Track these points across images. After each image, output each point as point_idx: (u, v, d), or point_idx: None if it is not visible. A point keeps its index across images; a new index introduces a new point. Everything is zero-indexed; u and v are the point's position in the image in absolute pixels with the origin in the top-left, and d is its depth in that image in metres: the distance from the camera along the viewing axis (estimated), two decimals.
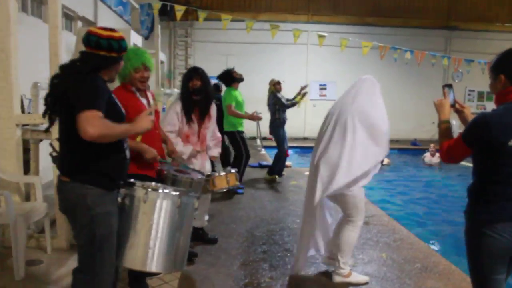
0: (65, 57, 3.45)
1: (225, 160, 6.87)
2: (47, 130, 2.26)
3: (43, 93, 2.41)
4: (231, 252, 3.92)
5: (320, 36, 8.40)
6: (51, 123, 2.17)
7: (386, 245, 4.23)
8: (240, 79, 6.12)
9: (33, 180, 3.69)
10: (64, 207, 2.18)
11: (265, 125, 7.66)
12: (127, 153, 2.29)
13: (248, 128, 6.80)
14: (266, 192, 6.41)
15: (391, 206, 6.69)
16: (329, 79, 13.67)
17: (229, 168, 3.73)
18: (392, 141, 3.24)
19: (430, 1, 13.76)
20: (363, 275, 3.40)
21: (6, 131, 3.61)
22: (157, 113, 3.09)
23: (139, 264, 2.22)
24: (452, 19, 13.91)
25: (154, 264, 2.21)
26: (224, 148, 6.81)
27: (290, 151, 8.10)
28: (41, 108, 2.53)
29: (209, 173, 3.57)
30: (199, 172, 3.24)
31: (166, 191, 2.29)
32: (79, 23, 7.28)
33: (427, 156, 10.52)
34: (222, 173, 3.56)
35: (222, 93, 6.53)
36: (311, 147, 3.56)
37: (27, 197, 3.82)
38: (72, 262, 3.30)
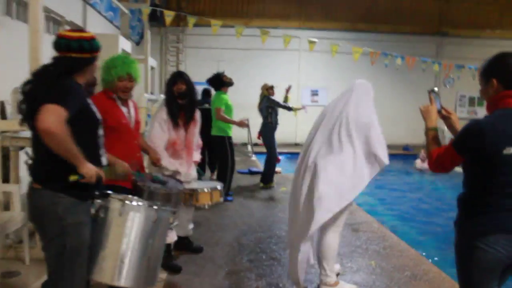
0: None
1: (210, 163, 6.85)
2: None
3: None
4: (217, 261, 3.83)
5: (311, 42, 8.39)
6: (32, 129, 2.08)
7: (376, 252, 4.17)
8: (229, 83, 6.06)
9: (11, 188, 3.58)
10: (32, 215, 2.09)
11: (255, 131, 7.60)
12: (103, 160, 2.21)
13: (239, 134, 6.73)
14: (255, 199, 6.32)
15: (381, 212, 6.63)
16: (320, 85, 13.67)
17: (215, 183, 3.67)
18: None
19: (421, 7, 13.81)
20: (351, 284, 3.33)
21: None
22: (137, 123, 3.01)
23: (108, 278, 2.12)
24: (443, 25, 13.98)
25: (123, 278, 2.11)
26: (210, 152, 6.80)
27: (280, 157, 8.02)
28: None
29: (193, 187, 3.46)
30: (176, 180, 3.15)
31: (142, 204, 2.21)
32: (67, 28, 7.19)
33: (418, 162, 10.49)
34: (206, 190, 3.46)
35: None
36: None
37: (6, 207, 3.69)
38: None
